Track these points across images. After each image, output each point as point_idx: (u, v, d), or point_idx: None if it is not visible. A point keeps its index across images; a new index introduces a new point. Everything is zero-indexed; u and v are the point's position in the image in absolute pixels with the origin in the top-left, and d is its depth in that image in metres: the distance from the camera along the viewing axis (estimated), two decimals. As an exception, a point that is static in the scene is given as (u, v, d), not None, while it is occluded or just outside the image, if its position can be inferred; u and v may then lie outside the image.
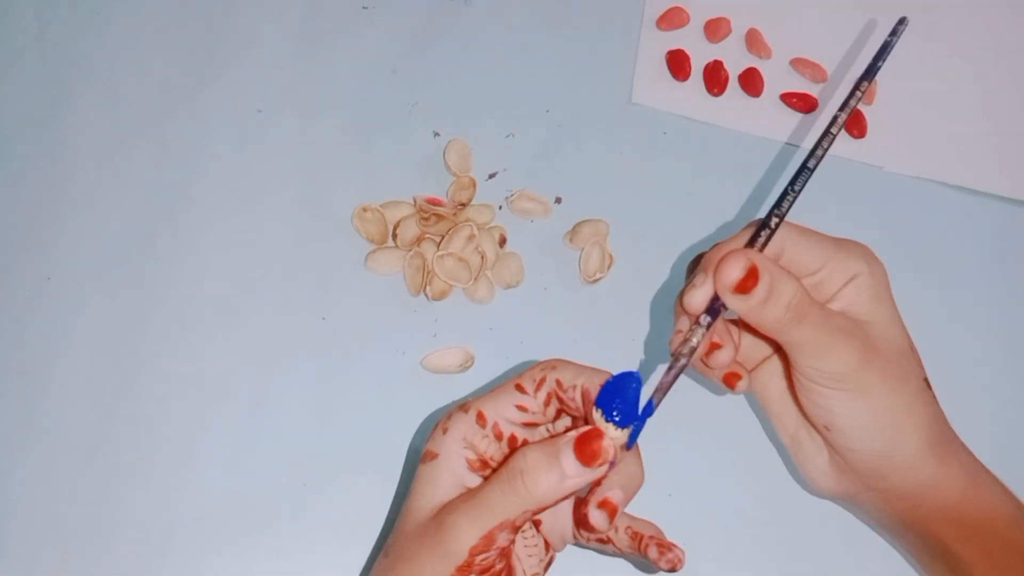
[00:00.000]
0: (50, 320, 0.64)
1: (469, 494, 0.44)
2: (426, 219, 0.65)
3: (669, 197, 0.69)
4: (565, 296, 0.66)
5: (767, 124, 0.72)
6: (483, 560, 0.42)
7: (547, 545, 0.49)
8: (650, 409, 0.42)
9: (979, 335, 0.66)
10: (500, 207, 0.68)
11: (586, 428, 0.42)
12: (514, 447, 0.46)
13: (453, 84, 0.72)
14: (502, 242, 0.67)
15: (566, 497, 0.43)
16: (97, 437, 0.61)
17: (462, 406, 0.46)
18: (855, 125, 0.71)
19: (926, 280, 0.68)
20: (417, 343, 0.64)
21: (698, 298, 0.44)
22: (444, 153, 0.68)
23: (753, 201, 0.69)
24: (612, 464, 0.42)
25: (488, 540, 0.42)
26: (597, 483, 0.44)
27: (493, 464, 0.46)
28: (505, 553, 0.44)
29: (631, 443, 0.42)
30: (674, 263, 0.67)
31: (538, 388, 0.46)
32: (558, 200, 0.68)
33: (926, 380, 0.49)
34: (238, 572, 0.59)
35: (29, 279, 0.65)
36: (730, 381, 0.50)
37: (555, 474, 0.41)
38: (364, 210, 0.66)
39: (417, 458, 0.47)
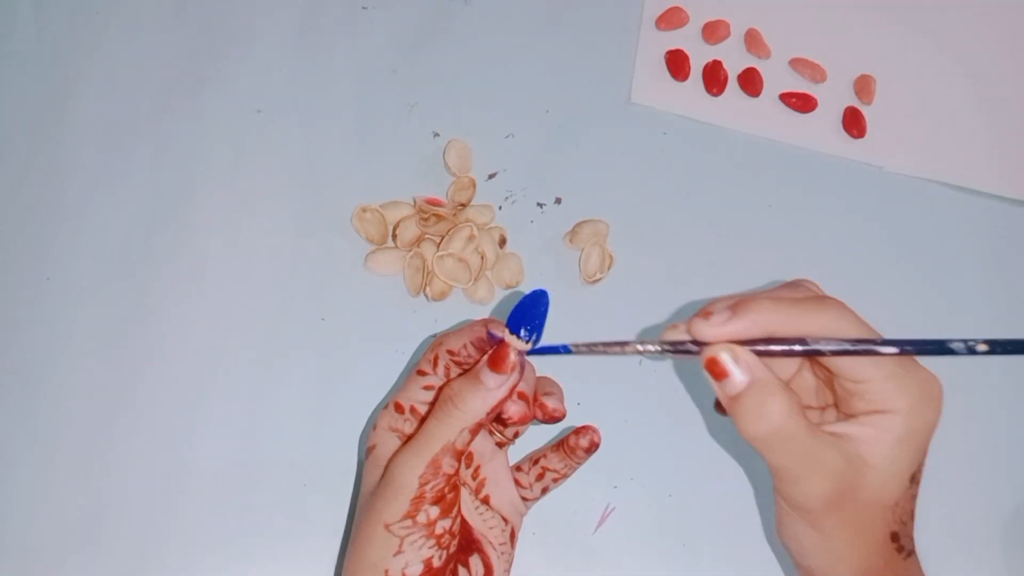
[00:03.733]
0: (49, 320, 0.64)
1: (408, 439, 0.48)
2: (426, 219, 0.65)
3: (669, 197, 0.69)
4: (565, 296, 0.66)
5: (766, 124, 0.72)
6: (434, 488, 0.46)
7: (504, 519, 0.52)
8: (565, 349, 0.47)
9: (978, 335, 0.66)
10: (500, 207, 0.68)
11: (495, 348, 0.47)
12: (401, 412, 0.51)
13: (453, 84, 0.72)
14: (502, 242, 0.67)
15: (494, 410, 0.47)
16: (96, 437, 0.61)
17: (384, 406, 0.51)
18: (854, 125, 0.71)
19: (925, 280, 0.68)
20: (417, 344, 0.64)
21: (724, 331, 0.43)
22: (444, 153, 0.68)
23: (753, 201, 0.69)
24: (521, 368, 0.48)
25: (435, 467, 0.46)
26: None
27: None
28: (455, 485, 0.47)
29: (538, 350, 0.48)
30: (674, 263, 0.67)
31: (435, 366, 0.50)
32: (558, 200, 0.68)
33: (893, 534, 0.45)
34: (238, 572, 0.59)
35: (28, 279, 0.65)
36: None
37: (479, 390, 0.47)
38: (364, 210, 0.66)
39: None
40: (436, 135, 0.70)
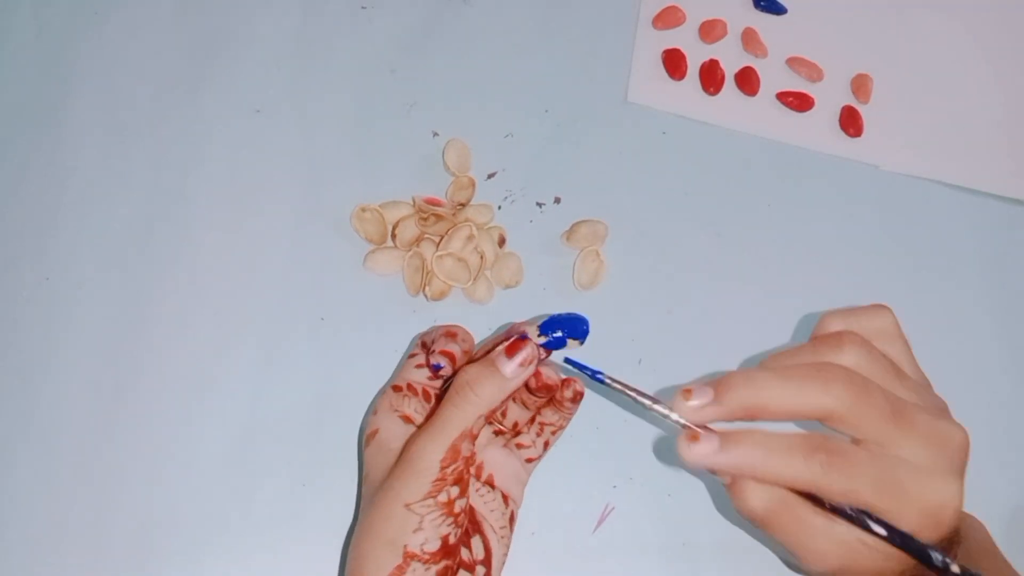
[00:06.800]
0: (48, 320, 0.64)
1: (425, 422, 0.50)
2: (425, 219, 0.65)
3: (668, 196, 0.69)
4: (564, 296, 0.66)
5: (763, 123, 0.72)
6: (453, 470, 0.48)
7: (505, 500, 0.53)
8: (598, 376, 0.48)
9: (977, 334, 0.67)
10: (499, 207, 0.68)
11: (515, 338, 0.50)
12: (429, 399, 0.53)
13: (452, 84, 0.72)
14: (501, 242, 0.67)
15: (508, 397, 0.51)
16: (96, 437, 0.61)
17: (381, 394, 0.53)
18: (851, 124, 0.72)
19: (923, 279, 0.68)
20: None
21: (706, 415, 0.44)
22: (443, 153, 0.69)
23: (751, 200, 0.70)
24: (537, 362, 0.51)
25: (454, 451, 0.48)
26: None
27: (418, 419, 0.52)
28: (470, 463, 0.50)
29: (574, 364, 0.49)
30: (672, 261, 0.67)
31: (424, 349, 0.54)
32: (557, 200, 0.68)
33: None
34: (238, 572, 0.59)
35: (27, 279, 0.65)
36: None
37: (496, 377, 0.49)
38: (363, 210, 0.66)
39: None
40: (435, 135, 0.70)
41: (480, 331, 0.64)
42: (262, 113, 0.70)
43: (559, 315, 0.51)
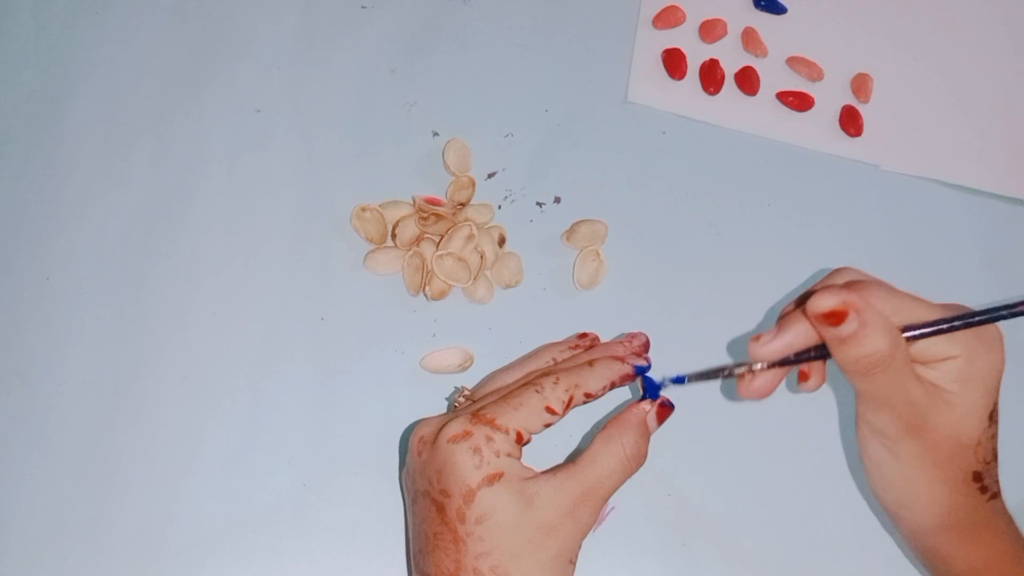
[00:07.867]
0: (49, 320, 0.64)
1: (587, 486, 0.50)
2: (425, 219, 0.65)
3: (668, 196, 0.69)
4: (564, 296, 0.66)
5: (764, 123, 0.72)
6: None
7: None
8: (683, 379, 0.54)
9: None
10: (499, 206, 0.68)
11: (660, 404, 0.53)
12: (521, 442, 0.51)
13: (452, 84, 0.72)
14: (501, 242, 0.67)
15: None
16: (96, 438, 0.61)
17: (488, 420, 0.49)
18: (851, 124, 0.72)
19: (923, 279, 0.68)
20: (416, 343, 0.64)
21: (773, 347, 0.49)
22: (443, 153, 0.69)
23: (751, 200, 0.70)
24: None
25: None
26: None
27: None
28: None
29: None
30: (672, 261, 0.67)
31: (567, 407, 0.51)
32: (557, 200, 0.68)
33: (975, 473, 0.49)
34: (238, 573, 0.59)
35: (28, 279, 0.65)
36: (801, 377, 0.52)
37: (647, 439, 0.52)
38: (363, 210, 0.66)
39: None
40: (435, 134, 0.70)
41: (480, 331, 0.65)
42: (262, 113, 0.70)
43: (648, 379, 0.54)
